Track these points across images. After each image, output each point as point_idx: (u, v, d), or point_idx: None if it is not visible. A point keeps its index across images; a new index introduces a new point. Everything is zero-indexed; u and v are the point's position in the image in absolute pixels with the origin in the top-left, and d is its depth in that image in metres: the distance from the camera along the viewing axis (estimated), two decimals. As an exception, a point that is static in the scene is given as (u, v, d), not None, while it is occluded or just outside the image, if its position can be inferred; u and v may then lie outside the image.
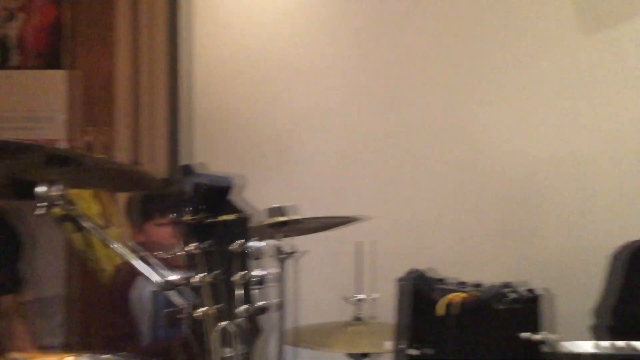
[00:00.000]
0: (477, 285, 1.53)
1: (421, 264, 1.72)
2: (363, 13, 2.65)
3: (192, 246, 0.99)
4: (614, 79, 2.47)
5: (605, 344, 1.46)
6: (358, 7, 2.66)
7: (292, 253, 1.88)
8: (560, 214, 2.49)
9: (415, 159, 2.57)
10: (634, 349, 1.41)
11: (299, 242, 1.98)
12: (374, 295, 2.17)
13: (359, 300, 2.11)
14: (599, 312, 2.09)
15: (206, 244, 0.98)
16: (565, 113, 2.50)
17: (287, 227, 1.83)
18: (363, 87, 2.62)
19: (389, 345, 1.61)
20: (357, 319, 2.10)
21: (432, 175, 2.55)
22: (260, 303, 0.99)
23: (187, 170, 1.00)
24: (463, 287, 1.53)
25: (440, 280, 1.59)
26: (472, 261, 2.45)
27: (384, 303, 1.79)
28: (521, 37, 2.53)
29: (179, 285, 1.00)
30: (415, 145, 2.57)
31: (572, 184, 2.49)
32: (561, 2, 2.50)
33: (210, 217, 0.99)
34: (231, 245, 0.99)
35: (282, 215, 1.82)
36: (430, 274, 1.65)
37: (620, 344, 1.46)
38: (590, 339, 2.05)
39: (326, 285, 2.45)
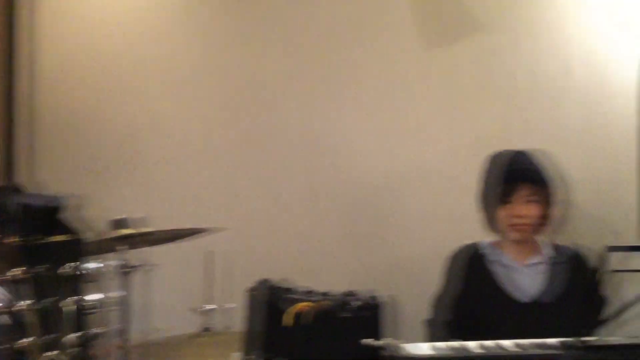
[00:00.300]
0: (325, 294, 1.57)
1: (274, 273, 1.74)
2: (220, 16, 2.62)
3: (18, 270, 0.92)
4: (452, 94, 2.64)
5: (441, 345, 1.55)
6: (215, 9, 2.63)
7: (139, 266, 1.82)
8: (405, 223, 2.62)
9: (267, 167, 2.60)
10: (466, 349, 1.51)
11: (148, 253, 1.92)
12: (229, 305, 2.15)
13: (209, 310, 2.09)
14: (436, 307, 2.22)
15: (35, 267, 0.92)
16: (411, 126, 2.64)
17: (132, 239, 1.77)
18: (216, 93, 2.60)
19: (237, 356, 1.60)
20: (207, 329, 2.08)
21: (283, 184, 2.59)
22: (94, 329, 0.94)
23: (13, 189, 0.93)
24: (310, 296, 1.56)
25: (289, 290, 1.61)
26: (324, 269, 2.51)
27: (240, 313, 1.78)
28: (372, 51, 2.64)
29: (3, 312, 0.92)
30: (266, 154, 2.60)
31: (417, 195, 2.63)
32: (404, 18, 2.63)
33: (39, 238, 0.92)
34: (62, 268, 0.93)
35: (126, 227, 1.75)
36: (281, 283, 1.66)
37: (455, 344, 1.55)
38: (426, 333, 2.19)
39: (178, 297, 2.40)
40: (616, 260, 1.45)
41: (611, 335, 1.34)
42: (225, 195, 2.56)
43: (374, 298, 1.50)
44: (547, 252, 2.21)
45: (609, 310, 1.34)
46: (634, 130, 2.63)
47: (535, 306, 2.11)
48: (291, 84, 2.62)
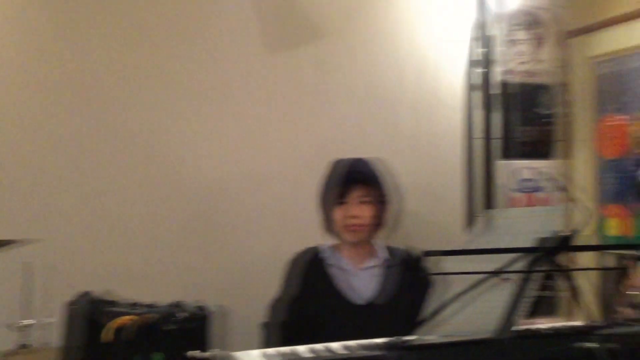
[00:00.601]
0: (150, 306, 1.50)
1: (99, 285, 1.64)
2: (42, 8, 2.40)
3: None
4: (293, 100, 2.66)
5: (272, 351, 1.54)
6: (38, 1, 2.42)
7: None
8: (245, 228, 2.58)
9: (93, 172, 2.40)
10: (296, 354, 1.52)
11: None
12: (49, 320, 1.99)
13: (27, 326, 1.93)
14: (273, 310, 2.23)
15: None
16: (251, 131, 2.60)
17: None
18: (33, 91, 2.37)
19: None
20: (24, 346, 1.92)
21: (110, 190, 2.41)
22: None
23: None
24: (134, 309, 1.49)
25: (112, 303, 1.53)
26: (153, 280, 2.40)
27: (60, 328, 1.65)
28: (212, 53, 2.56)
29: None
30: (92, 158, 2.41)
31: (256, 200, 2.59)
32: (246, 21, 2.60)
33: None
34: None
35: None
36: (104, 296, 1.58)
37: (285, 349, 1.55)
38: (262, 337, 2.18)
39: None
40: (438, 262, 1.53)
41: (429, 335, 1.40)
42: (45, 202, 2.34)
43: (201, 308, 1.46)
44: (382, 255, 2.29)
45: (428, 310, 1.41)
46: (459, 137, 2.81)
47: (369, 308, 2.18)
48: (123, 85, 2.46)
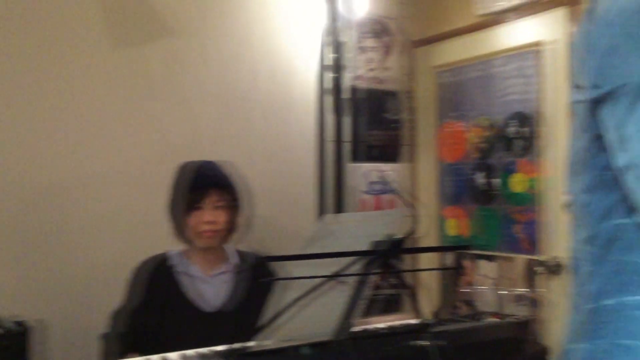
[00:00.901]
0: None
1: None
2: None
3: None
4: (140, 98, 2.55)
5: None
6: None
7: None
8: (75, 237, 2.42)
9: None
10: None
11: None
12: None
13: None
14: (115, 320, 2.12)
15: None
16: (92, 130, 2.45)
17: None
18: None
19: None
20: None
21: None
22: None
23: None
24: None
25: None
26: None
27: None
28: (47, 46, 2.39)
29: None
30: None
31: (95, 204, 2.45)
32: (87, 12, 2.46)
33: None
34: None
35: None
36: None
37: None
38: (101, 348, 2.07)
39: None
40: (283, 266, 1.52)
41: (268, 340, 1.40)
42: None
43: (19, 324, 1.34)
44: (233, 260, 2.25)
45: (267, 315, 1.40)
46: (311, 140, 2.85)
47: (218, 316, 2.13)
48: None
